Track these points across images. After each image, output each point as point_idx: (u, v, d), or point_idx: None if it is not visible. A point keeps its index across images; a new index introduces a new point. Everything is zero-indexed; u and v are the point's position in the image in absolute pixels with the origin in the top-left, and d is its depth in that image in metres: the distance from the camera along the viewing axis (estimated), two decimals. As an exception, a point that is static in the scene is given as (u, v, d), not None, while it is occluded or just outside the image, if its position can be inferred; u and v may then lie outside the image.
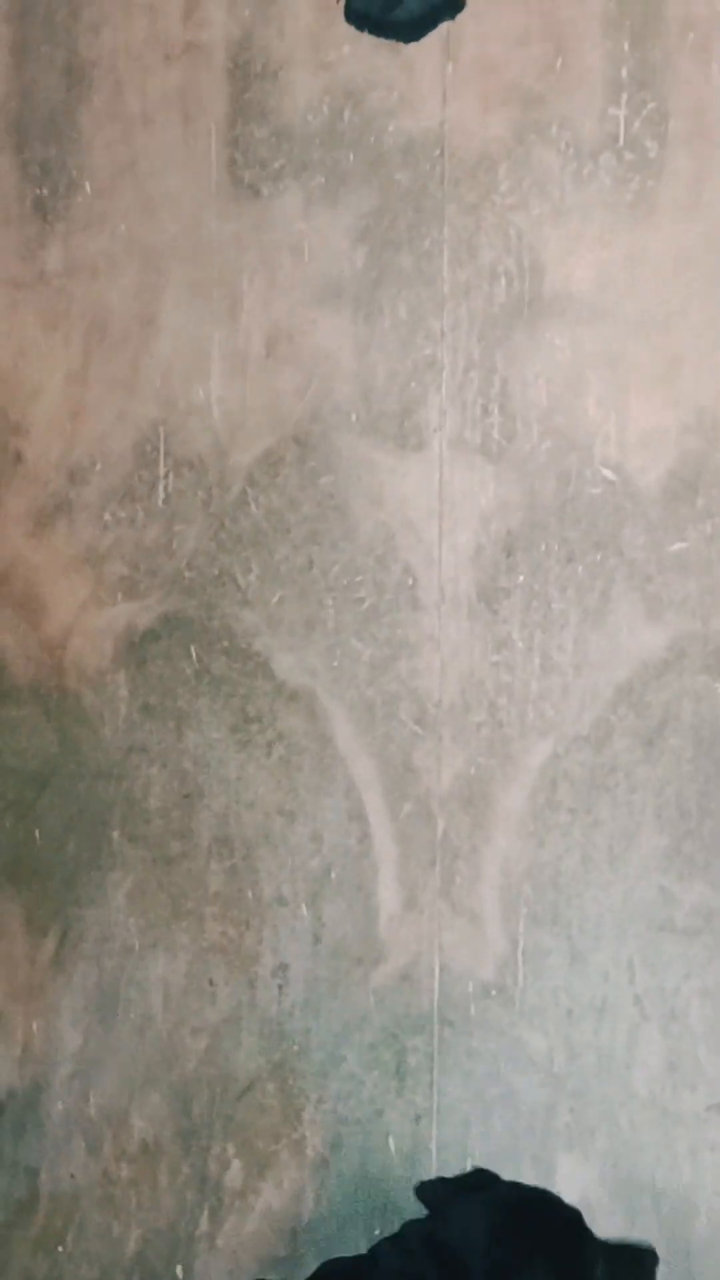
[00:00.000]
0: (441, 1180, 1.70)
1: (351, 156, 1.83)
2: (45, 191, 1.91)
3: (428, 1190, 1.66)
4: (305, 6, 1.83)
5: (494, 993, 1.77)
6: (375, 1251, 1.64)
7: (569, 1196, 1.74)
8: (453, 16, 1.82)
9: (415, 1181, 1.75)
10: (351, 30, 1.81)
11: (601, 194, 1.77)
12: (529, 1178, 1.76)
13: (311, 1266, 1.77)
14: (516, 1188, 1.68)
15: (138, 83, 1.88)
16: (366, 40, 1.81)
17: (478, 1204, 1.64)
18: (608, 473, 1.75)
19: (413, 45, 1.79)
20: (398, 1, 1.84)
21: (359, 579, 1.82)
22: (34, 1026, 1.89)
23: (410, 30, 1.84)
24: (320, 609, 1.83)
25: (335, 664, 1.82)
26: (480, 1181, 1.69)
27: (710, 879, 1.73)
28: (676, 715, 1.73)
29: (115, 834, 1.86)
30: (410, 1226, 1.64)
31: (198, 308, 1.87)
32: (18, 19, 1.90)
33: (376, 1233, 1.77)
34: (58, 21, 1.90)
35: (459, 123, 1.80)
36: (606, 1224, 1.75)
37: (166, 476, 1.87)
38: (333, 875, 1.81)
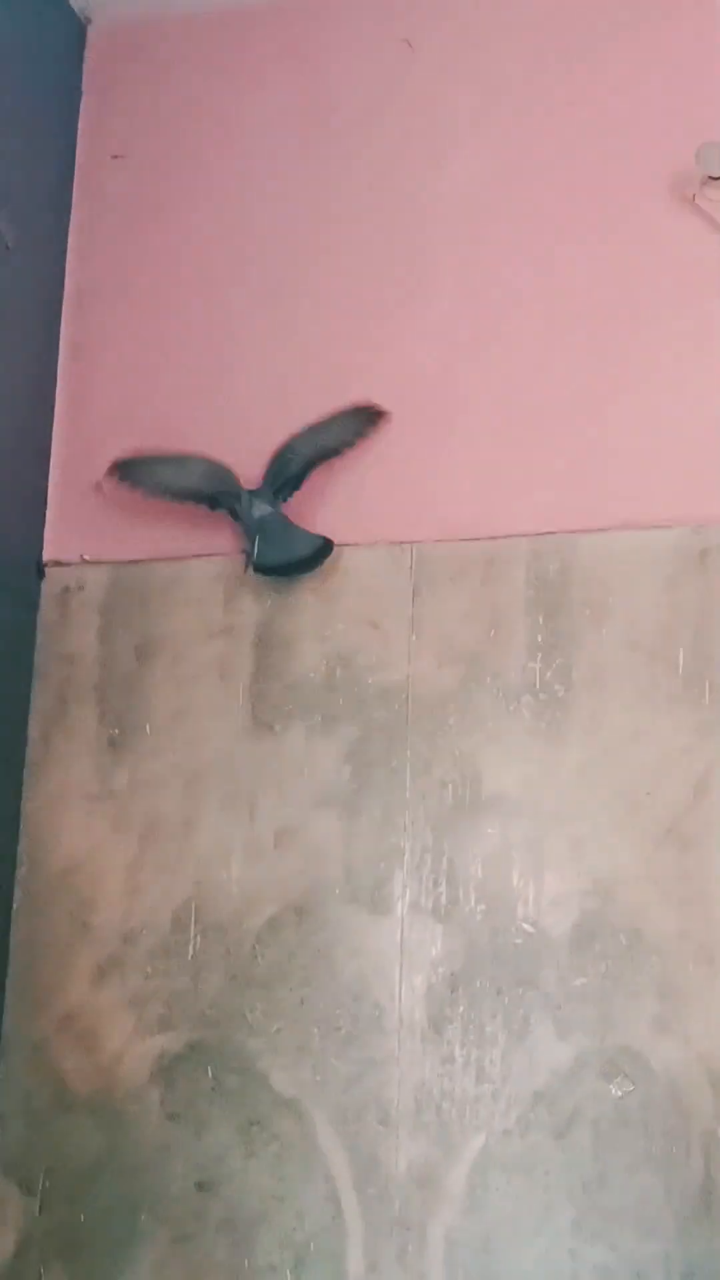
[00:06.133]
0: None
1: (341, 701, 2.79)
2: (117, 732, 2.87)
3: None
4: (310, 598, 2.85)
5: (438, 1345, 2.47)
6: None
7: None
8: (322, 563, 2.87)
9: None
10: (343, 612, 2.82)
11: (524, 724, 2.70)
12: None
13: None
14: None
15: (189, 654, 2.88)
16: (354, 620, 2.81)
17: None
18: (528, 927, 2.61)
19: (386, 621, 2.80)
20: (286, 555, 2.88)
21: (339, 1012, 2.65)
22: None
23: (301, 569, 2.88)
24: (308, 1037, 2.65)
25: (319, 1079, 2.63)
26: None
27: (608, 1242, 2.47)
28: (581, 1112, 2.52)
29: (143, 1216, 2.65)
30: None
31: (226, 813, 2.78)
32: (105, 611, 2.94)
33: None
34: (133, 614, 2.93)
35: (420, 676, 2.77)
36: None
37: (196, 938, 2.73)
38: (311, 1246, 2.57)
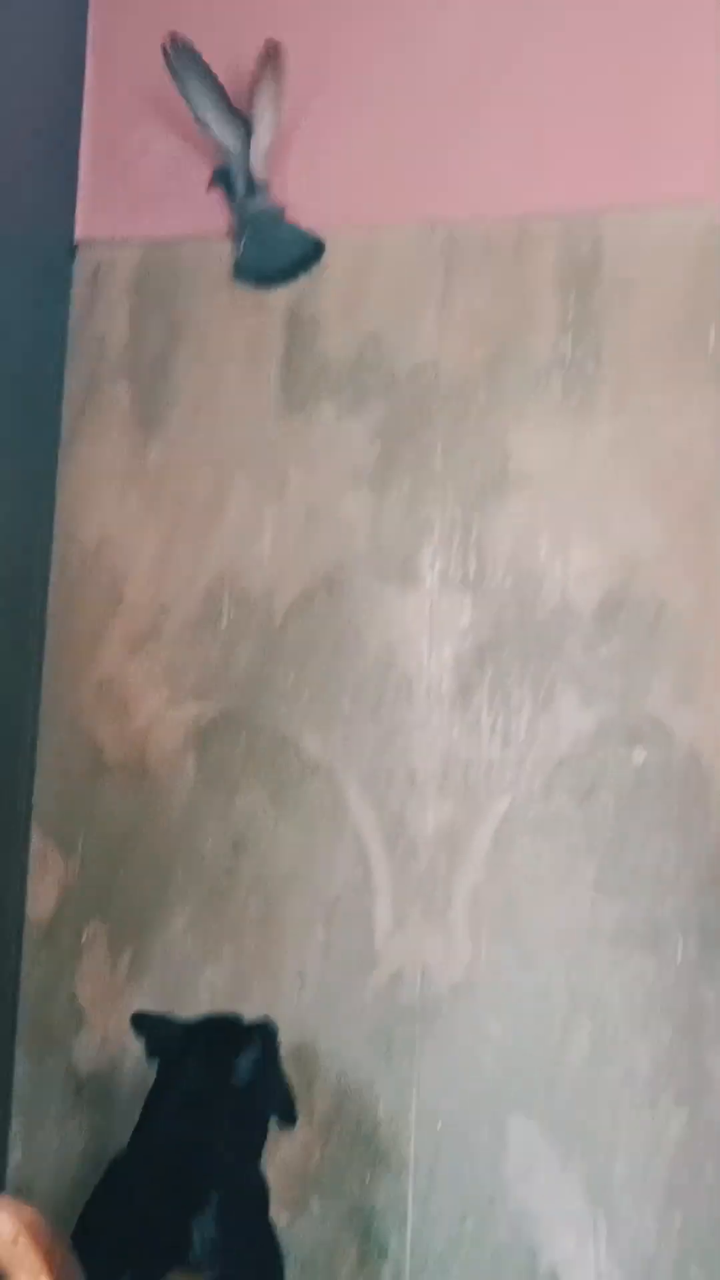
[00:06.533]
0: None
1: (371, 380, 2.83)
2: (149, 411, 2.92)
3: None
4: (340, 277, 2.87)
5: (462, 989, 2.63)
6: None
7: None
8: (310, 267, 2.91)
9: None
10: (373, 291, 2.84)
11: (552, 401, 2.75)
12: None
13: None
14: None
15: (219, 333, 2.92)
16: (384, 299, 2.84)
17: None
18: (554, 599, 2.68)
19: (415, 302, 2.83)
20: (272, 261, 2.92)
21: (368, 680, 2.73)
22: (111, 1022, 2.78)
23: (283, 278, 2.92)
24: (338, 705, 2.74)
25: (348, 744, 2.73)
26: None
27: (628, 898, 2.57)
28: (602, 776, 2.62)
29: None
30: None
31: (256, 490, 2.84)
32: (135, 289, 2.96)
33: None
34: (164, 293, 2.96)
35: (449, 354, 2.80)
36: (546, 1167, 2.59)
37: (229, 610, 2.82)
38: (341, 902, 2.69)
